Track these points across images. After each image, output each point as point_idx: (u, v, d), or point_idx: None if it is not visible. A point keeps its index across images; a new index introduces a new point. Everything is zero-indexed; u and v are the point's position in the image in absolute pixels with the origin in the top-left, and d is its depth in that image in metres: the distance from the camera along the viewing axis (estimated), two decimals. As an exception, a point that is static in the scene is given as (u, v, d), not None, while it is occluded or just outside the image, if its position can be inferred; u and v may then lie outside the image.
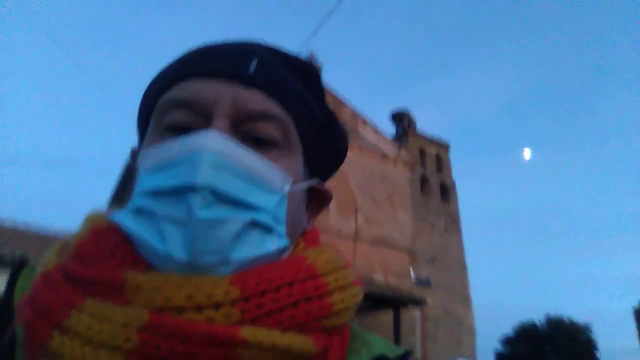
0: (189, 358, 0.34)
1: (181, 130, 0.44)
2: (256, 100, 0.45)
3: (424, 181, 31.76)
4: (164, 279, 0.37)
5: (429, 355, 22.96)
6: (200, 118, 0.44)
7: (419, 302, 13.72)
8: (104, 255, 0.41)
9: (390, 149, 19.28)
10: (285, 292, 0.40)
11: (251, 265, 0.40)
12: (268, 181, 0.43)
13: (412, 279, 16.87)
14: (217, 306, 0.36)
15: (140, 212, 0.41)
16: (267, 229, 0.42)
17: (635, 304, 29.92)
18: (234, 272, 0.39)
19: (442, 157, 34.52)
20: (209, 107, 0.43)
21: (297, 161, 0.48)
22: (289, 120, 0.47)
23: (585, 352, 35.74)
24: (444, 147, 35.31)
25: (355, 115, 18.89)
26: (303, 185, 0.49)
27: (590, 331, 37.56)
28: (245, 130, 0.44)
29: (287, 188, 0.45)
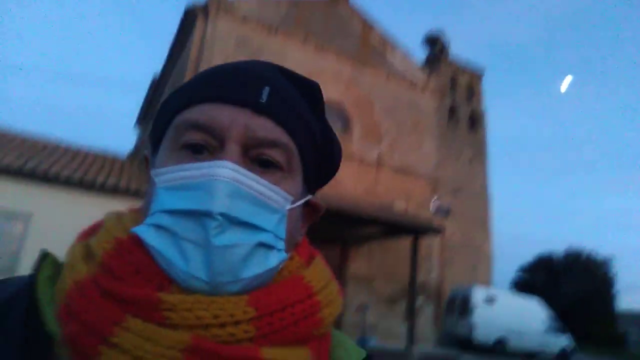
0: None
1: (197, 148, 0.48)
2: (265, 128, 0.49)
3: (452, 110, 30.82)
4: (193, 300, 0.43)
5: (445, 280, 23.65)
6: (214, 140, 0.48)
7: (437, 231, 13.81)
8: (131, 270, 0.45)
9: (419, 76, 18.50)
10: (289, 312, 0.46)
11: (257, 280, 0.46)
12: (272, 202, 0.48)
13: (433, 207, 16.87)
14: (236, 323, 0.43)
15: (160, 228, 0.45)
16: (269, 247, 0.47)
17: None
18: (244, 287, 0.45)
19: (474, 85, 33.14)
20: (223, 132, 0.48)
21: (297, 181, 0.53)
22: (293, 147, 0.51)
23: (602, 285, 36.24)
24: (476, 75, 33.77)
25: (384, 40, 17.99)
26: (301, 202, 0.53)
27: (609, 267, 37.78)
28: (254, 154, 0.49)
29: (287, 207, 0.50)
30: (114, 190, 10.93)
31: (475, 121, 31.83)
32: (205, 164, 0.46)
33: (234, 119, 0.48)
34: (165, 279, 0.45)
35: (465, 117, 31.32)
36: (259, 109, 0.49)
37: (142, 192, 11.15)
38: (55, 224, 10.16)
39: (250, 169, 0.48)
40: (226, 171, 0.45)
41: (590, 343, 33.11)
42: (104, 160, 13.15)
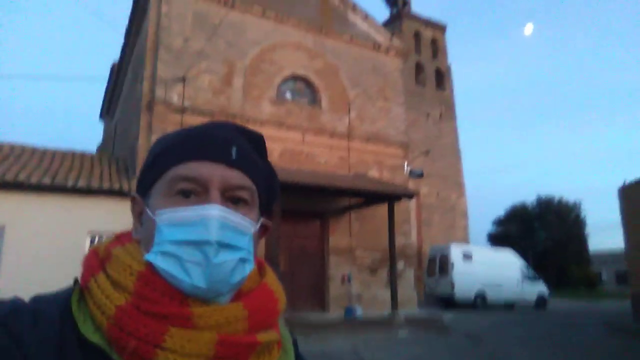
0: (235, 354, 0.60)
1: (187, 194, 0.65)
2: (236, 177, 0.68)
3: (418, 68, 30.66)
4: (211, 310, 0.61)
5: (423, 241, 24.22)
6: (200, 187, 0.65)
7: (410, 196, 13.98)
8: (158, 294, 0.60)
9: (382, 36, 18.20)
10: (264, 310, 0.67)
11: (238, 284, 0.65)
12: (244, 229, 0.66)
13: (406, 172, 17.01)
14: (238, 321, 0.62)
15: (166, 254, 0.61)
16: (246, 260, 0.65)
17: (621, 182, 30.80)
18: (230, 290, 0.64)
19: (438, 41, 32.89)
20: (206, 182, 0.65)
21: (256, 210, 0.71)
22: (253, 187, 0.70)
23: (574, 229, 37.77)
24: (440, 28, 33.44)
25: (344, 1, 17.53)
26: (259, 224, 0.71)
27: (580, 209, 39.32)
28: (229, 195, 0.67)
29: (253, 230, 0.68)
30: (87, 192, 10.61)
31: (442, 77, 31.82)
32: (200, 206, 0.63)
33: (213, 172, 0.66)
34: (179, 296, 0.61)
35: (431, 75, 31.25)
36: (231, 164, 0.68)
37: (114, 191, 10.86)
38: (29, 233, 9.85)
39: (227, 206, 0.65)
40: (216, 212, 0.63)
41: (568, 285, 34.81)
42: (73, 159, 12.69)
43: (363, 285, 14.71)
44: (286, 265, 13.29)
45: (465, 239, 27.63)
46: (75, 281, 0.66)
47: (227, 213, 0.64)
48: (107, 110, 24.79)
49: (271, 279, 0.74)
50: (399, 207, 14.18)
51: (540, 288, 20.55)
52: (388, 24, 29.40)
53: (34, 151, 12.48)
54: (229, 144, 0.69)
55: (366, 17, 17.87)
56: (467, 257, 18.97)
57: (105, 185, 10.95)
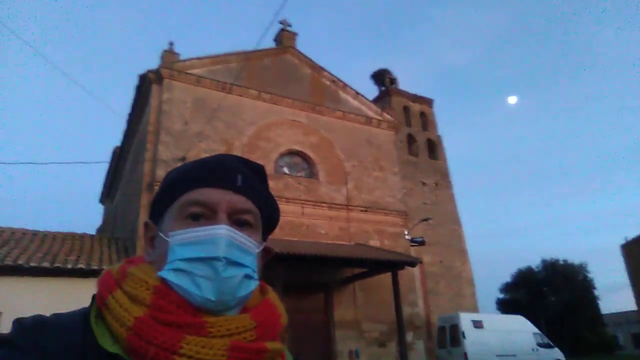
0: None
1: (197, 218, 0.71)
2: (241, 202, 0.74)
3: (410, 140, 31.58)
4: (223, 319, 0.67)
5: (431, 311, 23.48)
6: (209, 211, 0.72)
7: (414, 263, 13.84)
8: (174, 306, 0.66)
9: (373, 111, 19.02)
10: (270, 321, 0.73)
11: (245, 298, 0.71)
12: (249, 248, 0.72)
13: (407, 239, 16.95)
14: (247, 331, 0.67)
15: (179, 270, 0.67)
16: (251, 277, 0.71)
17: (623, 240, 30.57)
18: (237, 303, 0.70)
19: (427, 114, 34.16)
20: (215, 205, 0.72)
21: (259, 233, 0.78)
22: (257, 211, 0.77)
23: (582, 291, 36.83)
24: (427, 102, 34.85)
25: (335, 81, 18.54)
26: (261, 247, 0.78)
27: (586, 270, 38.61)
28: (235, 218, 0.73)
29: (257, 250, 0.74)
30: (86, 273, 10.51)
31: (434, 147, 32.67)
32: (210, 227, 0.70)
33: (221, 198, 0.73)
34: (191, 308, 0.66)
35: (423, 145, 32.09)
36: (236, 190, 0.75)
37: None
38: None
39: (234, 228, 0.71)
40: (224, 231, 0.69)
41: (584, 350, 33.21)
42: (73, 241, 12.69)
43: (372, 359, 14.07)
44: (290, 342, 12.80)
45: (473, 307, 26.82)
46: (92, 300, 0.71)
47: (234, 233, 0.70)
48: (108, 193, 25.11)
49: (273, 297, 0.80)
50: (403, 276, 13.98)
51: (556, 355, 19.63)
52: (378, 100, 30.75)
53: (34, 234, 12.50)
54: (235, 172, 0.76)
55: (356, 94, 18.82)
56: (477, 325, 18.32)
57: (105, 265, 10.84)
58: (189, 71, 15.14)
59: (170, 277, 0.67)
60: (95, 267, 10.71)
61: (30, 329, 0.62)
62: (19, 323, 0.64)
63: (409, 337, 14.37)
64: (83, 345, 0.62)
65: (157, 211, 0.77)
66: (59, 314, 0.68)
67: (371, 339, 14.44)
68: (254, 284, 0.72)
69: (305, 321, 13.61)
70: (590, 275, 38.51)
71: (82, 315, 0.68)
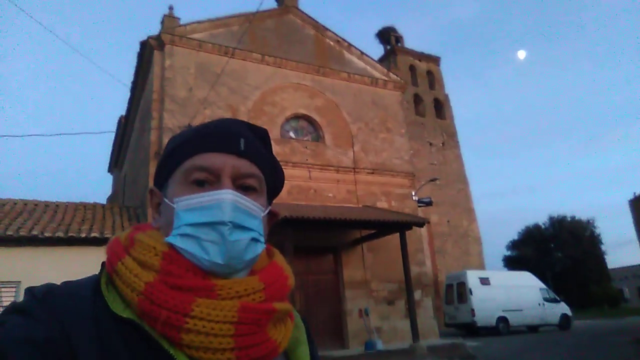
0: (256, 320, 0.66)
1: (201, 184, 0.72)
2: (245, 166, 0.75)
3: (417, 99, 31.20)
4: (232, 282, 0.68)
5: (439, 269, 23.90)
6: (213, 177, 0.73)
7: (421, 223, 13.95)
8: (183, 270, 0.67)
9: (379, 71, 18.71)
10: (278, 283, 0.74)
11: (252, 261, 0.72)
12: (255, 212, 0.73)
13: (415, 200, 17.04)
14: (256, 292, 0.69)
15: (186, 236, 0.68)
16: (257, 240, 0.72)
17: (631, 195, 30.41)
18: (245, 266, 0.71)
19: (434, 72, 33.58)
20: (219, 171, 0.73)
21: (264, 197, 0.79)
22: (261, 176, 0.78)
23: (589, 246, 37.08)
24: (434, 60, 34.19)
25: (340, 41, 18.15)
26: (267, 210, 0.78)
27: (594, 226, 38.73)
28: (239, 183, 0.74)
29: (262, 214, 0.75)
30: (100, 242, 10.74)
31: (441, 106, 32.26)
32: (215, 192, 0.71)
33: (225, 162, 0.73)
34: (201, 272, 0.68)
35: (430, 105, 31.70)
36: (240, 154, 0.75)
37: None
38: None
39: (238, 192, 0.72)
40: (229, 195, 0.70)
41: (590, 304, 33.80)
42: (85, 211, 12.90)
43: (381, 318, 14.46)
44: (302, 303, 13.16)
45: (481, 265, 27.21)
46: (102, 267, 0.72)
47: (239, 197, 0.71)
48: (116, 162, 25.29)
49: (280, 259, 0.81)
50: (411, 236, 14.13)
51: (562, 309, 20.04)
52: (383, 59, 30.20)
53: (46, 205, 12.72)
54: (238, 136, 0.76)
55: (361, 54, 18.45)
56: (484, 282, 18.66)
57: (118, 233, 11.09)
58: (190, 36, 14.88)
59: (178, 242, 0.68)
60: (108, 236, 10.93)
61: (42, 297, 0.64)
62: (31, 292, 0.66)
63: (417, 295, 14.68)
64: (95, 311, 0.64)
65: (162, 178, 0.78)
66: (69, 281, 0.69)
67: (380, 298, 14.79)
68: (260, 247, 0.73)
69: (316, 282, 13.93)
70: (597, 231, 38.74)
71: (92, 282, 0.69)
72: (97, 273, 0.72)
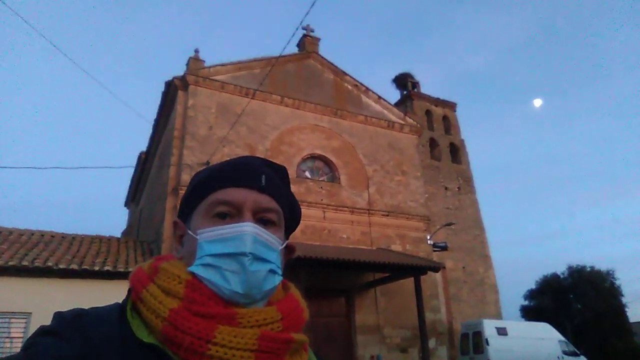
0: (275, 349, 0.67)
1: (223, 216, 0.76)
2: (265, 201, 0.78)
3: (433, 144, 31.35)
4: (252, 311, 0.70)
5: (454, 317, 23.20)
6: (235, 210, 0.76)
7: (437, 268, 13.72)
8: (205, 298, 0.70)
9: (395, 115, 18.98)
10: (294, 314, 0.76)
11: (270, 292, 0.74)
12: (274, 245, 0.76)
13: (429, 243, 16.83)
14: (274, 322, 0.71)
15: (208, 266, 0.71)
16: (275, 272, 0.75)
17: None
18: (263, 297, 0.73)
19: (449, 117, 33.87)
20: (241, 205, 0.76)
21: (282, 231, 0.82)
22: (280, 211, 0.81)
23: (610, 298, 35.80)
24: (450, 106, 34.55)
25: (358, 85, 18.57)
26: (284, 244, 0.82)
27: (614, 277, 37.51)
28: (259, 216, 0.77)
29: (280, 247, 0.78)
30: (113, 275, 10.78)
31: (457, 151, 32.33)
32: (236, 224, 0.74)
33: (247, 197, 0.77)
34: (222, 301, 0.70)
35: (446, 149, 31.78)
36: (261, 190, 0.79)
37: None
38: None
39: (259, 226, 0.76)
40: (250, 228, 0.73)
41: (609, 358, 32.30)
42: (100, 244, 13.02)
43: (394, 366, 14.00)
44: (312, 346, 12.82)
45: (497, 314, 26.39)
46: (128, 294, 0.75)
47: (260, 230, 0.74)
48: (133, 197, 25.65)
49: (295, 292, 0.83)
50: (425, 281, 13.90)
51: (583, 364, 19.18)
52: (399, 104, 30.62)
53: (62, 237, 12.87)
54: (259, 173, 0.80)
55: (379, 98, 18.82)
56: (501, 332, 18.03)
57: (131, 267, 11.07)
58: (214, 77, 15.40)
59: (200, 271, 0.71)
60: (121, 269, 10.97)
61: (71, 320, 0.67)
62: (60, 315, 0.68)
63: (432, 343, 14.25)
64: (121, 335, 0.66)
65: (186, 211, 0.82)
66: (96, 307, 0.72)
67: (393, 345, 14.37)
68: (278, 279, 0.76)
69: (327, 325, 13.64)
70: (617, 282, 37.45)
71: (118, 309, 0.72)
72: (119, 302, 0.75)
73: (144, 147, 20.73)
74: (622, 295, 37.16)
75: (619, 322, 35.00)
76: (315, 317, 13.27)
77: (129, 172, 25.58)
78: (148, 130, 18.77)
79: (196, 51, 15.75)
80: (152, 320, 0.67)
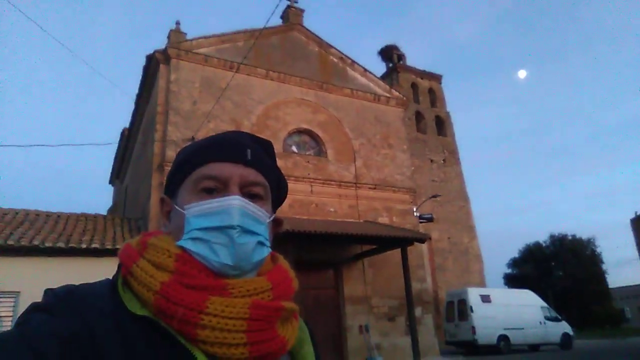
0: (266, 317, 0.69)
1: (210, 191, 0.76)
2: (251, 174, 0.79)
3: (419, 117, 31.39)
4: (243, 281, 0.72)
5: (439, 286, 23.78)
6: (221, 184, 0.77)
7: (423, 239, 13.95)
8: (196, 271, 0.71)
9: (381, 88, 18.89)
10: (284, 284, 0.78)
11: (259, 263, 0.76)
12: (261, 218, 0.77)
13: (416, 216, 17.06)
14: (265, 291, 0.72)
15: (197, 239, 0.72)
16: (263, 244, 0.76)
17: (633, 215, 30.34)
18: (252, 268, 0.74)
19: (435, 90, 33.85)
20: (227, 179, 0.77)
21: (269, 205, 0.83)
22: (267, 184, 0.82)
23: (590, 265, 36.93)
24: (436, 78, 34.50)
25: (343, 58, 18.38)
26: (272, 217, 0.83)
27: (595, 245, 38.62)
28: (246, 190, 0.78)
29: (267, 220, 0.80)
30: (101, 253, 10.74)
31: (443, 124, 32.45)
32: (224, 198, 0.75)
33: (233, 171, 0.78)
34: (212, 273, 0.72)
35: (432, 122, 31.88)
36: (247, 164, 0.79)
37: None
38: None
39: (245, 199, 0.77)
40: (237, 201, 0.75)
41: (591, 324, 33.49)
42: (86, 221, 12.92)
43: (382, 335, 14.37)
44: (302, 317, 13.07)
45: (481, 283, 27.07)
46: (118, 269, 0.75)
47: (247, 203, 0.75)
48: (117, 174, 25.37)
49: (284, 263, 0.85)
50: (412, 252, 14.12)
51: (564, 328, 19.88)
52: (385, 77, 30.47)
53: (47, 216, 12.74)
54: (245, 147, 0.81)
55: (365, 71, 18.66)
56: (485, 300, 18.53)
57: (119, 244, 11.06)
58: (196, 51, 15.08)
59: (189, 245, 0.72)
60: (109, 247, 10.94)
61: (63, 296, 0.67)
62: (52, 292, 0.68)
63: (418, 311, 14.60)
64: (114, 309, 0.67)
65: (172, 187, 0.83)
66: (87, 283, 0.72)
67: (380, 314, 14.70)
68: (266, 251, 0.77)
69: (316, 297, 13.87)
70: (598, 250, 38.61)
71: (109, 284, 0.72)
72: (111, 276, 0.75)
73: (127, 123, 20.39)
74: (603, 263, 38.39)
75: (600, 289, 36.23)
76: (304, 289, 13.43)
77: (113, 149, 25.22)
78: (131, 106, 18.44)
79: (177, 23, 15.36)
80: (143, 293, 0.68)
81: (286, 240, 11.13)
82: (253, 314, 0.68)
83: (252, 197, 0.78)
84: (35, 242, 10.32)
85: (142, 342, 0.64)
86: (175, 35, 15.06)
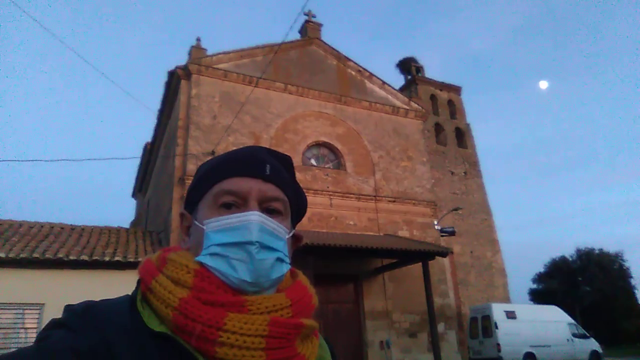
0: (286, 334, 0.68)
1: (229, 206, 0.76)
2: (270, 190, 0.78)
3: (438, 129, 31.12)
4: (261, 298, 0.70)
5: (462, 301, 23.26)
6: (241, 200, 0.76)
7: (444, 253, 13.69)
8: (214, 287, 0.70)
9: (400, 100, 18.83)
10: (303, 301, 0.76)
11: (278, 280, 0.74)
12: (280, 234, 0.76)
13: (437, 229, 16.80)
14: (284, 308, 0.71)
15: (215, 255, 0.72)
16: (282, 260, 0.75)
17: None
18: (271, 285, 0.73)
19: (455, 101, 33.56)
20: (246, 194, 0.76)
21: (288, 220, 0.82)
22: (285, 200, 0.81)
23: (619, 280, 35.70)
24: (455, 90, 34.21)
25: (361, 71, 18.41)
26: (291, 233, 0.82)
27: (622, 259, 37.39)
28: (265, 206, 0.77)
29: (287, 236, 0.78)
30: (124, 265, 10.85)
31: (463, 135, 32.09)
32: (242, 214, 0.74)
33: (252, 186, 0.77)
34: (230, 289, 0.70)
35: (452, 134, 31.56)
36: (266, 179, 0.78)
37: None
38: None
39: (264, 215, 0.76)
40: (256, 217, 0.73)
41: (620, 341, 32.29)
42: (109, 234, 13.10)
43: (403, 351, 14.08)
44: (321, 332, 12.91)
45: (505, 298, 26.41)
46: (137, 285, 0.75)
47: (266, 219, 0.74)
48: (140, 187, 25.76)
49: (303, 279, 0.84)
50: (433, 266, 13.89)
51: (592, 345, 19.18)
52: (404, 89, 30.38)
53: (72, 229, 12.95)
54: (263, 162, 0.80)
55: (383, 84, 18.65)
56: (510, 316, 18.04)
57: (141, 257, 11.16)
58: (216, 66, 15.30)
59: (208, 261, 0.71)
60: (131, 260, 11.04)
61: (82, 313, 0.67)
62: (71, 308, 0.68)
63: (440, 327, 14.30)
64: (132, 325, 0.66)
65: (192, 202, 0.82)
66: (106, 299, 0.72)
67: (402, 330, 14.43)
68: (285, 267, 0.76)
69: (336, 311, 13.71)
70: (626, 264, 37.35)
71: (128, 300, 0.72)
72: (129, 293, 0.75)
73: (149, 137, 20.75)
74: (631, 277, 37.10)
75: (629, 304, 34.95)
76: (324, 304, 13.33)
77: (135, 163, 25.67)
78: (153, 121, 18.78)
79: (198, 40, 15.64)
80: (162, 310, 0.68)
81: (306, 253, 11.06)
82: (272, 331, 0.67)
83: (271, 212, 0.77)
84: (60, 255, 10.47)
85: (160, 359, 0.63)
86: (196, 51, 15.33)
